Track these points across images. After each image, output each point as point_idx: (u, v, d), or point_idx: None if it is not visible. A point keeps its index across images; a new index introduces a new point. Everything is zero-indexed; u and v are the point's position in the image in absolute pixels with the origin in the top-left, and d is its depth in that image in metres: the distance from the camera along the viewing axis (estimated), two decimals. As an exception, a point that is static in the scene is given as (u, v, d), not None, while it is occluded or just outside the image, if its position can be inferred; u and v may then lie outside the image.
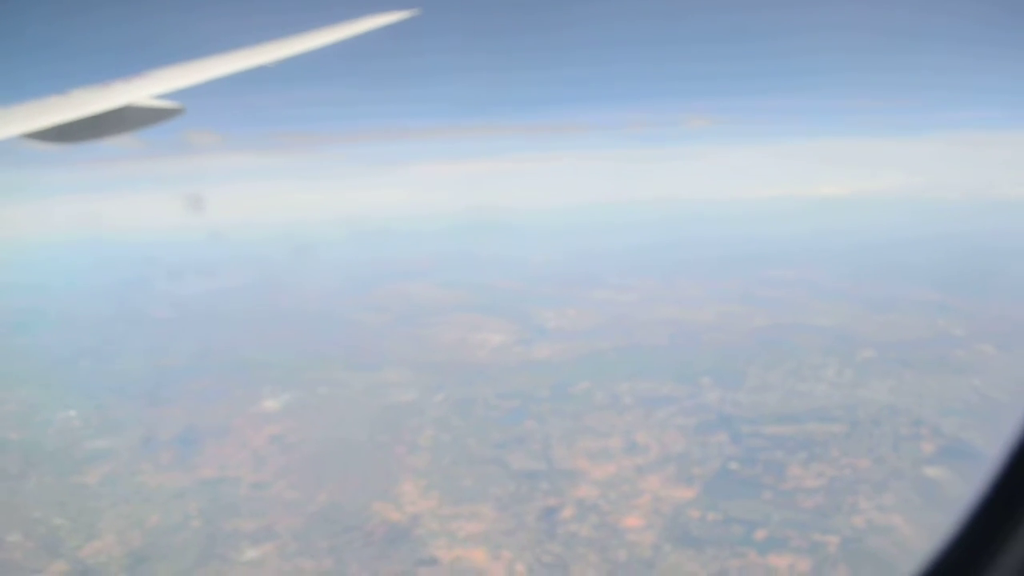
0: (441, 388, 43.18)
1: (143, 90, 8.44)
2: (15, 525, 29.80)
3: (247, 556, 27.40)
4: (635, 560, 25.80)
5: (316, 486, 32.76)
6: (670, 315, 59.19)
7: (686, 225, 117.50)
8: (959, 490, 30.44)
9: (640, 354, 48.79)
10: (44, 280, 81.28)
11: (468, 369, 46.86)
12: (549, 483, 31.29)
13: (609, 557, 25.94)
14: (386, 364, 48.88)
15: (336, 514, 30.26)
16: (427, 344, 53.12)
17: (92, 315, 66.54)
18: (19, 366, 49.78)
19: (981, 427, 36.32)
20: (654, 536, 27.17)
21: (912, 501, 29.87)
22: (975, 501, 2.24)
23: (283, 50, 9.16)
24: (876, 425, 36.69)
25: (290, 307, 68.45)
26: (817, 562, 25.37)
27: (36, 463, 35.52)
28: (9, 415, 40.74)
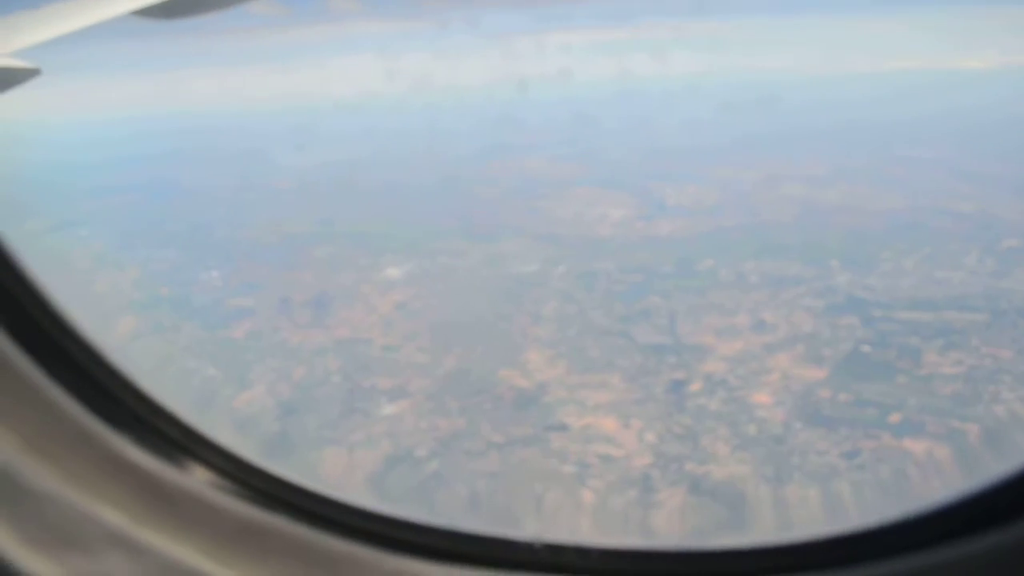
0: (562, 261, 43.33)
1: None
2: (173, 375, 32.34)
3: (385, 411, 28.99)
4: (765, 436, 25.89)
5: (443, 351, 33.94)
6: (796, 194, 56.77)
7: (814, 98, 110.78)
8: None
9: (765, 233, 47.31)
10: (174, 148, 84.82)
11: (588, 243, 46.74)
12: (676, 357, 31.38)
13: (739, 432, 26.11)
14: (504, 236, 49.23)
15: (464, 378, 31.42)
16: (545, 217, 53.02)
17: (220, 184, 69.38)
18: (161, 229, 52.93)
19: None
20: (784, 413, 27.09)
21: (1058, 394, 28.57)
22: None
23: None
24: (1021, 316, 34.79)
25: (405, 179, 69.35)
26: (957, 450, 24.79)
27: (186, 317, 38.17)
28: (159, 273, 43.56)
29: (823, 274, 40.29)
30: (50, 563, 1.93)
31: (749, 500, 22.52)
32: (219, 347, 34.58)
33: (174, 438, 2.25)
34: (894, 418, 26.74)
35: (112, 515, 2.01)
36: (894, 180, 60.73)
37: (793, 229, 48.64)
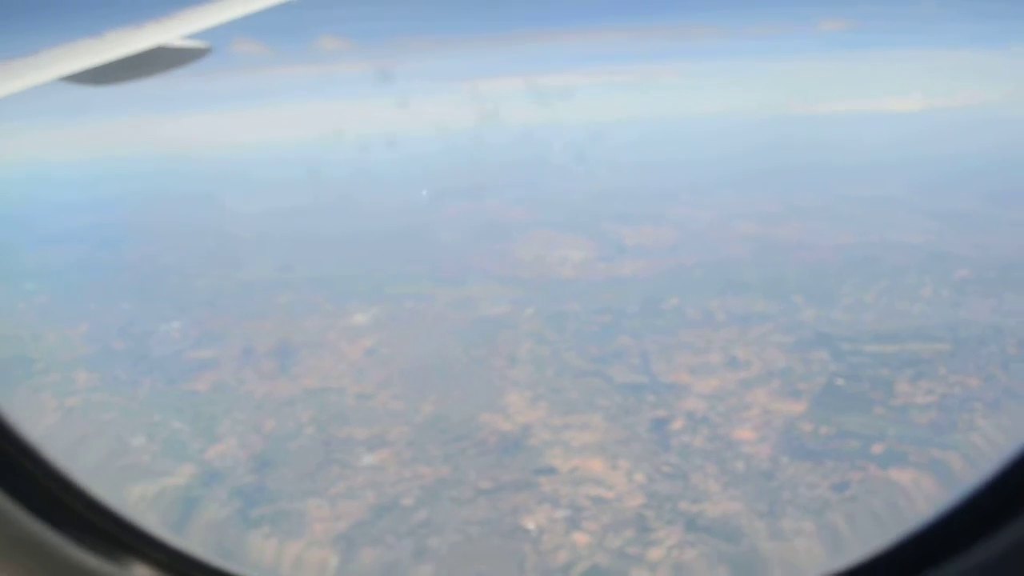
0: (530, 303, 43.17)
1: (176, 30, 8.34)
2: (137, 429, 30.91)
3: (365, 462, 28.08)
4: (754, 472, 25.83)
5: (419, 397, 33.20)
6: (750, 231, 58.00)
7: (754, 140, 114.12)
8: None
9: (726, 270, 48.02)
10: (124, 194, 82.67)
11: (554, 285, 46.73)
12: (655, 396, 31.28)
13: (727, 468, 26.00)
14: (470, 279, 48.96)
15: (444, 424, 30.72)
16: (508, 260, 52.98)
17: (171, 230, 67.66)
18: (112, 280, 51.14)
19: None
20: (770, 448, 27.12)
21: (1028, 420, 29.23)
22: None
23: None
24: (982, 344, 35.71)
25: (364, 223, 68.74)
26: (942, 479, 25.04)
27: (145, 371, 36.67)
28: (111, 326, 41.85)
29: (788, 310, 40.95)
30: None
31: (747, 537, 22.35)
32: (183, 400, 33.24)
33: (115, 535, 2.21)
34: (877, 449, 26.99)
35: None
36: (843, 217, 62.55)
37: (752, 266, 49.49)
